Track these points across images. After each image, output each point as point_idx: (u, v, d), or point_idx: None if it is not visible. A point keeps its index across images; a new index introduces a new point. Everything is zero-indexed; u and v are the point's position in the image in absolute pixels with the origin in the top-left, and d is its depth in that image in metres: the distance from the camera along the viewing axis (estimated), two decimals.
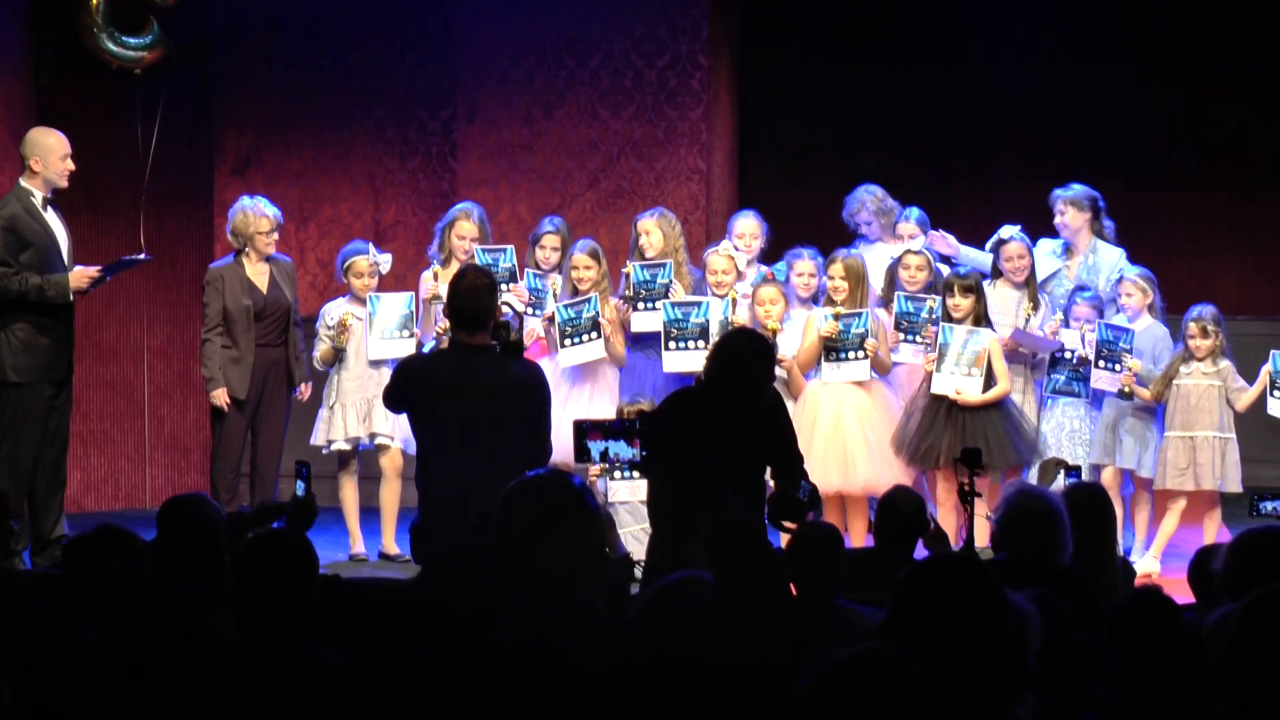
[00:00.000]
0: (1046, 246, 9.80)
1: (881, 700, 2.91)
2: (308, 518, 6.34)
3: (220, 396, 9.31)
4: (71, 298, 8.81)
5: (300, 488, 6.47)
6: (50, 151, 8.90)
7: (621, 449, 3.79)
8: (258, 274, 9.41)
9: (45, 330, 8.83)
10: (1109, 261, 9.73)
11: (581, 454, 3.85)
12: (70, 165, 8.89)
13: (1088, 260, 9.67)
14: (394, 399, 7.10)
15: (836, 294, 9.07)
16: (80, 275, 8.77)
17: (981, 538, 6.82)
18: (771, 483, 6.96)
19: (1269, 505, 6.81)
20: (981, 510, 7.08)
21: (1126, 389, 9.04)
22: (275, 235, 9.44)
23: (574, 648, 3.35)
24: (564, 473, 3.69)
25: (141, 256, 9.45)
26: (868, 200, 9.95)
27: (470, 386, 6.71)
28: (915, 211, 9.90)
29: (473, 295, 6.86)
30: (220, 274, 9.42)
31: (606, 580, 3.62)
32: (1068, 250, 9.79)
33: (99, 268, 8.86)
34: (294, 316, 9.47)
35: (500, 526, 3.52)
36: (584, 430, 3.91)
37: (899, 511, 6.53)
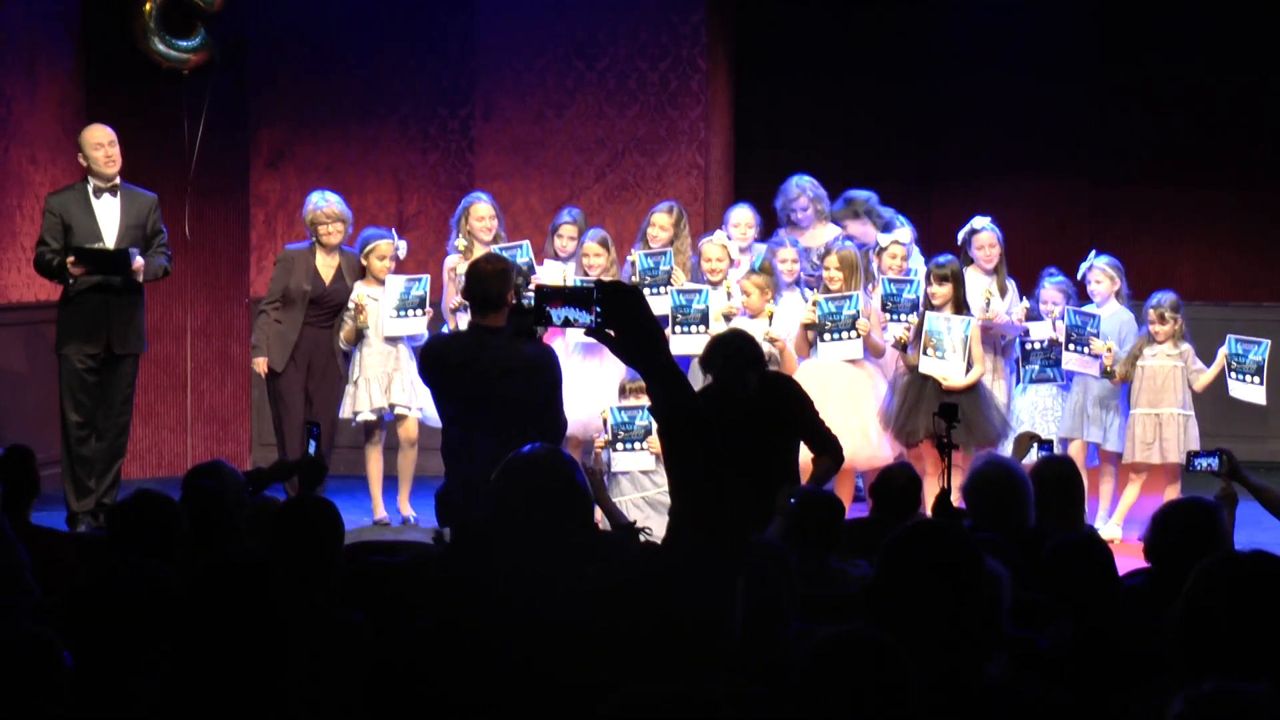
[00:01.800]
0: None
1: (864, 678, 2.91)
2: (318, 474, 6.37)
3: (260, 365, 9.48)
4: (70, 280, 8.94)
5: (311, 447, 6.48)
6: (87, 144, 9.14)
7: (580, 315, 3.60)
8: (326, 264, 9.52)
9: (82, 308, 8.99)
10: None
11: (538, 317, 3.71)
12: (107, 153, 9.09)
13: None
14: (421, 376, 7.14)
15: (832, 283, 9.10)
16: (69, 260, 8.93)
17: (957, 497, 6.89)
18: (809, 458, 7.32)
19: (1203, 461, 6.79)
20: (958, 480, 7.08)
21: (1110, 367, 9.04)
22: (336, 227, 9.52)
23: (568, 615, 3.31)
24: (554, 449, 3.61)
25: (128, 252, 9.12)
26: (807, 188, 9.94)
27: (481, 366, 6.69)
28: (901, 219, 9.95)
29: (483, 280, 6.84)
30: (291, 256, 9.57)
31: (596, 550, 3.55)
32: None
33: (75, 256, 8.92)
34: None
35: (495, 501, 3.48)
36: (544, 295, 3.74)
37: (894, 486, 6.65)
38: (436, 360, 6.87)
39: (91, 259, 8.90)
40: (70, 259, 8.87)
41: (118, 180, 9.11)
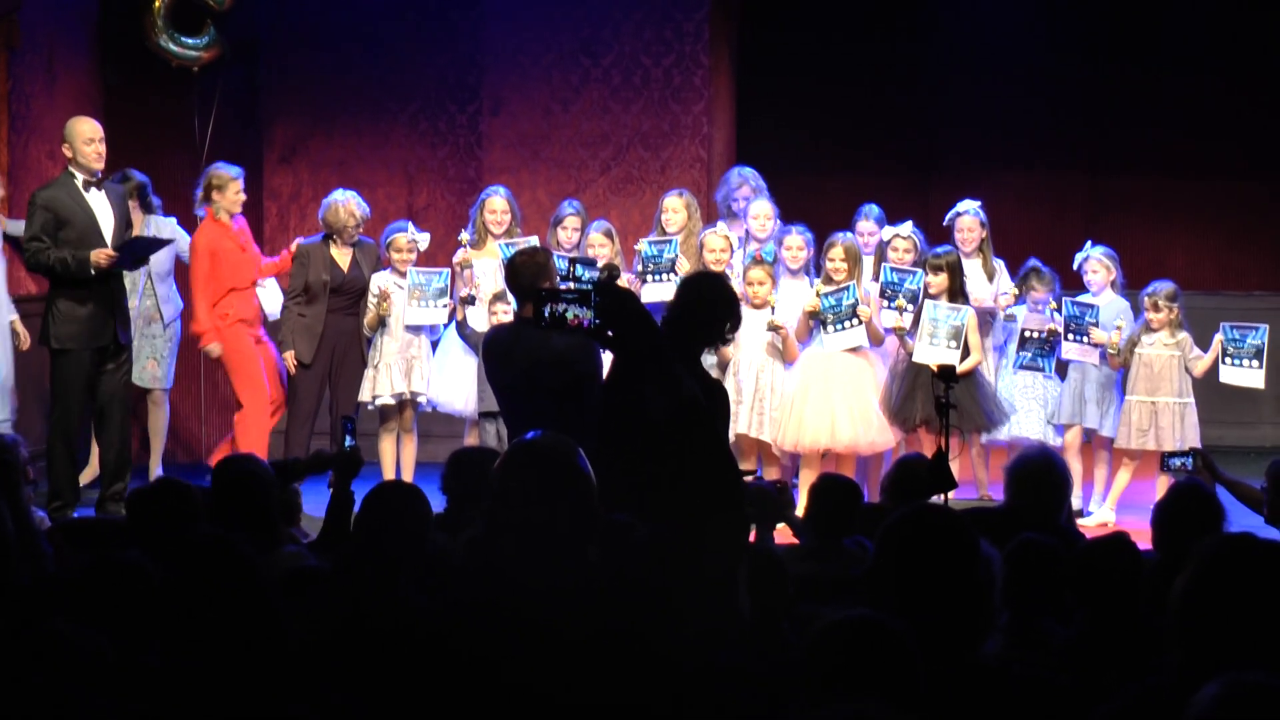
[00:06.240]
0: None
1: (868, 660, 2.90)
2: (353, 467, 6.33)
3: (289, 358, 9.48)
4: (92, 272, 8.71)
5: (348, 441, 6.47)
6: (78, 138, 8.85)
7: (583, 312, 3.54)
8: (341, 254, 9.55)
9: (85, 301, 8.79)
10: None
11: (539, 319, 3.66)
12: (97, 149, 8.82)
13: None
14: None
15: (837, 274, 9.08)
16: (99, 254, 8.71)
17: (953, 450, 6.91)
18: None
19: (1176, 461, 6.80)
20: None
21: (1116, 348, 9.03)
22: (356, 230, 9.55)
23: (571, 597, 3.30)
24: (557, 436, 3.58)
25: (163, 238, 9.43)
26: (749, 179, 9.91)
27: (516, 357, 6.61)
28: (875, 209, 9.87)
29: (516, 272, 6.78)
30: (307, 250, 9.57)
31: (597, 534, 3.53)
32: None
33: (115, 251, 8.79)
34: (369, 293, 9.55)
35: (496, 487, 3.47)
36: (543, 297, 3.68)
37: (907, 476, 6.67)
38: (487, 352, 6.87)
39: (135, 248, 8.83)
40: (111, 253, 8.73)
41: (98, 175, 8.93)
